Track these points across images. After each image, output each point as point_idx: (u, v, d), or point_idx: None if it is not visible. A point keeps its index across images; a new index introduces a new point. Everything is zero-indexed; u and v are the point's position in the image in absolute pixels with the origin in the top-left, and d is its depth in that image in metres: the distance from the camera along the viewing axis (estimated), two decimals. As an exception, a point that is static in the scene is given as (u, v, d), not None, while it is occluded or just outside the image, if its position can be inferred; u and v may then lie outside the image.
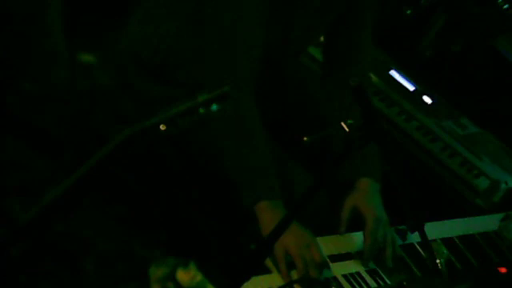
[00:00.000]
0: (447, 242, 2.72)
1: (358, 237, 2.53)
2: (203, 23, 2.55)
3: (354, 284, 2.38)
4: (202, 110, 1.56)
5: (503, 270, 2.75)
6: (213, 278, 2.09)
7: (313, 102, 2.89)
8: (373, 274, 2.45)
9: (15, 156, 2.66)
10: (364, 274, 2.44)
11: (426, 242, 2.13)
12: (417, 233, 2.10)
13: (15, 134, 2.69)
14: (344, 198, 2.59)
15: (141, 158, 2.43)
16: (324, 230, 2.51)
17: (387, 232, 2.50)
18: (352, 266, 2.45)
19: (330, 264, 2.39)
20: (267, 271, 2.31)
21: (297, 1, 2.57)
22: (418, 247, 2.62)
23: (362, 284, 2.40)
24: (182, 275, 2.09)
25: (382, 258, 2.47)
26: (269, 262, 2.31)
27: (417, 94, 3.57)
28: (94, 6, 2.75)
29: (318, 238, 2.41)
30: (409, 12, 3.84)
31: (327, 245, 2.44)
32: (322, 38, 2.93)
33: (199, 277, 2.08)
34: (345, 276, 2.40)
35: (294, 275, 2.31)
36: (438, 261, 2.22)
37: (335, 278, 2.37)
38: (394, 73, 3.59)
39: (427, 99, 3.56)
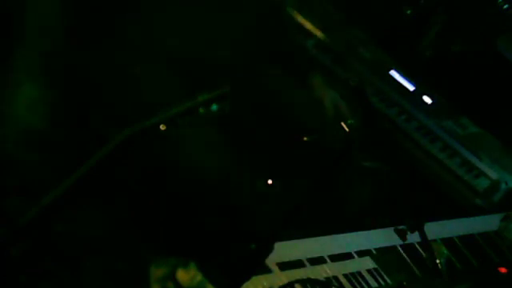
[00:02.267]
0: (447, 242, 2.72)
1: (358, 237, 2.53)
2: None
3: (355, 283, 2.38)
4: (202, 110, 1.56)
5: (503, 270, 2.75)
6: (213, 278, 2.09)
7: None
8: (373, 273, 2.46)
9: (15, 156, 2.66)
10: (365, 274, 2.44)
11: (426, 242, 2.13)
12: (417, 233, 2.10)
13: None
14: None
15: (141, 157, 2.43)
16: (324, 229, 2.51)
17: None
18: (353, 266, 2.45)
19: (331, 264, 2.39)
20: (267, 271, 2.31)
21: None
22: (418, 247, 2.62)
23: (363, 283, 2.40)
24: (182, 275, 2.09)
25: None
26: (269, 262, 2.32)
27: (417, 94, 3.57)
28: (93, 6, 2.75)
29: (318, 238, 2.42)
30: (409, 12, 3.84)
31: (327, 245, 2.44)
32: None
33: (199, 277, 2.08)
34: (345, 275, 2.40)
35: (294, 275, 2.31)
36: (437, 261, 2.22)
37: (336, 278, 2.37)
38: (393, 73, 3.59)
39: (427, 99, 3.56)
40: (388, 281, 2.45)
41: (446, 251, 2.61)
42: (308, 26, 3.39)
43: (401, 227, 2.62)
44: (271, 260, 2.32)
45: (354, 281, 2.39)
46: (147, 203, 2.68)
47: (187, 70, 2.66)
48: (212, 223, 2.65)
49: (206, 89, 1.57)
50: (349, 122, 1.98)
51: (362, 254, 2.49)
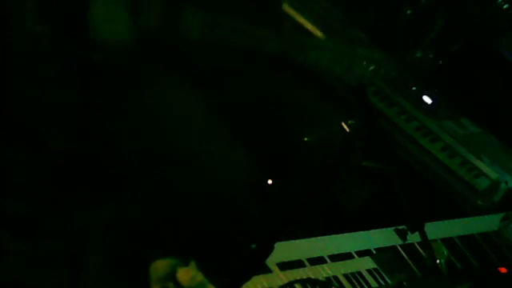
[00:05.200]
0: (447, 242, 2.72)
1: (358, 237, 2.53)
2: None
3: (355, 283, 2.38)
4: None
5: (503, 270, 2.75)
6: (213, 278, 2.09)
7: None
8: (373, 273, 2.46)
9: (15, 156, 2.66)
10: (365, 274, 2.44)
11: (426, 242, 2.14)
12: (417, 233, 2.10)
13: (14, 134, 2.69)
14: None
15: (141, 157, 2.44)
16: (324, 229, 2.51)
17: None
18: (353, 266, 2.45)
19: (331, 264, 2.40)
20: (267, 271, 2.31)
21: None
22: (418, 247, 2.62)
23: (363, 283, 2.40)
24: (182, 275, 2.09)
25: None
26: (269, 262, 2.32)
27: (417, 94, 3.57)
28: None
29: (318, 238, 2.42)
30: (409, 12, 3.84)
31: (327, 245, 2.45)
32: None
33: (199, 277, 2.08)
34: (346, 275, 2.40)
35: (294, 275, 2.31)
36: (437, 261, 2.22)
37: (336, 278, 2.37)
38: (394, 73, 3.59)
39: (427, 99, 3.57)
40: (388, 281, 2.45)
41: (446, 251, 2.61)
42: (308, 26, 3.39)
43: (401, 227, 2.63)
44: (271, 260, 2.32)
45: (354, 281, 2.39)
46: (147, 203, 2.68)
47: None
48: (212, 223, 2.65)
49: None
50: (349, 122, 1.98)
51: (361, 254, 2.50)
